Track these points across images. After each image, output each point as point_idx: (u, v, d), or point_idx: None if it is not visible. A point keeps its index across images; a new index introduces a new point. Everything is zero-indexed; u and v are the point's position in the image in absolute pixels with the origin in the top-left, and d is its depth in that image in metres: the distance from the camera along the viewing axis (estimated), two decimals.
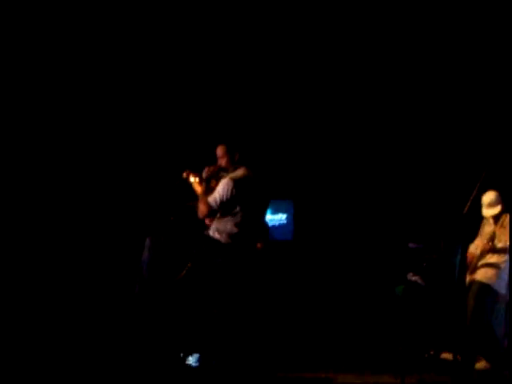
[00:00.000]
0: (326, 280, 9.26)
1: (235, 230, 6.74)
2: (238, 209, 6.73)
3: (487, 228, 7.89)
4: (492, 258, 7.75)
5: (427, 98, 9.69)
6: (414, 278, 8.62)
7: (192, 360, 7.11)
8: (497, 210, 7.80)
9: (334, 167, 9.81)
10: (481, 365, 7.45)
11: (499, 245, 7.69)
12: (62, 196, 9.24)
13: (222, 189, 6.69)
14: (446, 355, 7.55)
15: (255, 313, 7.21)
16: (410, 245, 9.25)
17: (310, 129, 9.79)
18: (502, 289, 7.68)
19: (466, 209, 7.29)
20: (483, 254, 7.81)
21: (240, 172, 6.89)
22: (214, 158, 7.05)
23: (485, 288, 7.61)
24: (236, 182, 6.72)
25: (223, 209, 6.73)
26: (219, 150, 7.02)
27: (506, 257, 7.59)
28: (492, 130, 9.01)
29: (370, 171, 9.83)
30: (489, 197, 7.85)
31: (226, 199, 6.68)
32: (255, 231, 7.00)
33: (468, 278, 7.80)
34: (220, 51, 9.52)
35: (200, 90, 9.68)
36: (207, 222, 7.16)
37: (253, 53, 9.54)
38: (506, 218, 7.78)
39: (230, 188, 6.68)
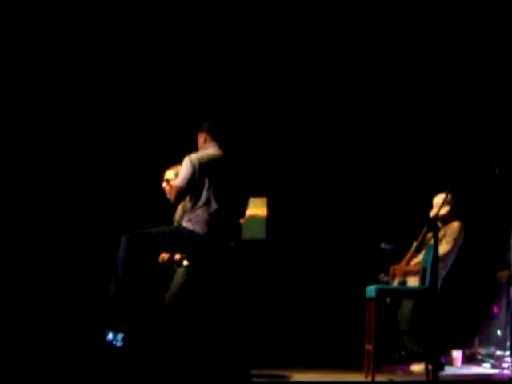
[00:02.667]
0: (298, 279, 9.26)
1: (211, 218, 6.51)
2: (208, 195, 6.51)
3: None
4: None
5: (401, 102, 9.73)
6: (385, 279, 8.68)
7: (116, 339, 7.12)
8: (444, 210, 7.69)
9: (307, 166, 9.80)
10: (417, 367, 7.52)
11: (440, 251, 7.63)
12: (33, 196, 9.15)
13: (183, 169, 6.50)
14: (416, 367, 7.59)
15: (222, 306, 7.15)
16: (382, 245, 9.31)
17: (284, 127, 9.77)
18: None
19: (438, 210, 7.36)
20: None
21: (205, 152, 6.69)
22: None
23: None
24: (193, 160, 6.52)
25: (192, 193, 6.54)
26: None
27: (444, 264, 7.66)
28: (464, 133, 9.07)
29: (343, 171, 9.84)
30: (440, 197, 7.76)
31: (191, 177, 6.48)
32: (233, 223, 6.79)
33: (398, 279, 7.82)
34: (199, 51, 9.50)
35: (174, 87, 9.62)
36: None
37: (230, 51, 9.51)
38: (455, 226, 7.79)
39: (189, 165, 6.48)
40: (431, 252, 7.47)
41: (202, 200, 6.52)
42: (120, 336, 7.57)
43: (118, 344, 7.28)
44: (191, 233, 6.51)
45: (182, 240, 6.55)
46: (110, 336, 7.32)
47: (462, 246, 7.85)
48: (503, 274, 8.12)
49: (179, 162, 6.77)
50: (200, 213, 6.49)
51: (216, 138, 6.70)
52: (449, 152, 8.71)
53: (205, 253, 6.60)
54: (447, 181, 6.31)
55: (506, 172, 6.74)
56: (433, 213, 7.76)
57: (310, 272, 9.59)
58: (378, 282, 8.49)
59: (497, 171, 6.69)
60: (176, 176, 6.93)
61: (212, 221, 6.52)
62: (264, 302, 8.86)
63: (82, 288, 8.71)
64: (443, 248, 7.61)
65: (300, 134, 9.84)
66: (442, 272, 7.71)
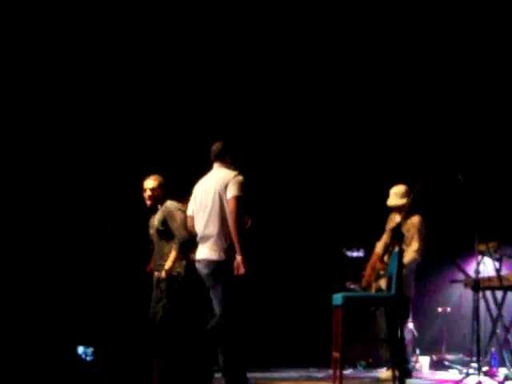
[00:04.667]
0: (265, 286, 9.26)
1: None
2: None
3: (392, 224, 7.77)
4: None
5: (363, 107, 9.82)
6: (352, 286, 8.73)
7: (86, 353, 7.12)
8: (401, 201, 7.74)
9: (273, 175, 9.84)
10: (385, 374, 7.58)
11: (414, 248, 7.69)
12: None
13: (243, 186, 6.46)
14: (384, 374, 7.63)
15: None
16: (349, 253, 9.38)
17: (252, 133, 9.79)
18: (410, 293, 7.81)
19: (403, 215, 7.43)
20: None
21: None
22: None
23: None
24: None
25: None
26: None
27: (412, 262, 7.68)
28: (429, 138, 9.17)
29: (309, 179, 9.89)
30: (397, 188, 7.84)
31: None
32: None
33: (374, 286, 7.86)
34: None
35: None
36: None
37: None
38: (416, 221, 7.77)
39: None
40: (396, 259, 7.55)
41: None
42: (90, 350, 7.56)
43: (88, 358, 7.27)
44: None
45: None
46: (81, 350, 7.31)
47: (426, 253, 7.91)
48: (468, 281, 8.21)
49: (152, 171, 6.99)
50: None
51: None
52: (413, 159, 8.83)
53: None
54: (412, 187, 6.39)
55: (470, 180, 6.82)
56: (391, 202, 7.85)
57: (277, 280, 9.61)
58: (344, 289, 8.56)
59: (460, 179, 6.76)
60: (159, 184, 7.07)
61: None
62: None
63: (51, 302, 8.68)
64: (414, 246, 7.68)
65: (268, 141, 9.89)
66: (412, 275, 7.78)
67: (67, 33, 9.16)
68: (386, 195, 7.96)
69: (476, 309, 7.17)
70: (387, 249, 7.55)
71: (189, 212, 6.67)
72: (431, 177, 6.53)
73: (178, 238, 6.89)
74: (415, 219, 7.78)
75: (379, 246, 8.05)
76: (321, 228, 9.88)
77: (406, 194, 7.76)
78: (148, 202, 7.14)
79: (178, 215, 6.96)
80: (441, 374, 8.33)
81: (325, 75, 9.75)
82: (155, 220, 7.13)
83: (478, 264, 7.22)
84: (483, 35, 9.15)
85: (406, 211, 7.54)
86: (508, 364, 7.80)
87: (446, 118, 9.31)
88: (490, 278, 7.88)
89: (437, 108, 9.43)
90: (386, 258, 7.60)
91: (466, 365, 8.04)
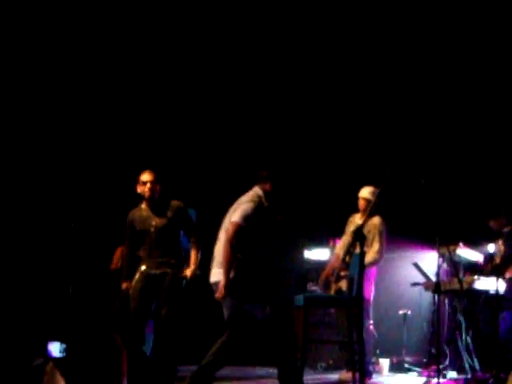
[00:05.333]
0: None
1: None
2: None
3: (352, 227, 7.83)
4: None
5: (327, 110, 9.84)
6: (314, 288, 8.74)
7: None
8: (372, 198, 7.78)
9: (235, 178, 9.82)
10: (345, 376, 7.60)
11: (375, 248, 7.75)
12: None
13: None
14: (344, 375, 7.65)
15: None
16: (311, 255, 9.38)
17: (212, 141, 9.79)
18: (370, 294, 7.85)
19: (365, 217, 7.46)
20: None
21: None
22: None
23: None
24: None
25: None
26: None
27: (373, 263, 7.74)
28: (392, 142, 9.21)
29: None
30: (370, 187, 7.95)
31: None
32: None
33: (333, 287, 7.88)
34: None
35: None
36: None
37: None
38: (377, 222, 7.83)
39: None
40: (357, 261, 7.57)
41: None
42: (62, 346, 7.51)
43: (60, 354, 7.22)
44: None
45: None
46: (52, 346, 7.25)
47: (387, 255, 7.95)
48: (429, 284, 8.25)
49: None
50: None
51: None
52: (376, 162, 8.86)
53: None
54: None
55: (432, 183, 6.85)
56: (363, 193, 7.94)
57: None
58: (306, 291, 8.58)
59: (423, 182, 6.78)
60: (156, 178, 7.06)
61: None
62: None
63: (20, 299, 8.61)
64: (375, 247, 7.75)
65: (229, 148, 9.89)
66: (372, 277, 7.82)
67: (60, 29, 9.09)
68: (349, 197, 7.99)
69: (436, 311, 7.20)
70: (348, 250, 7.57)
71: None
72: (394, 179, 6.58)
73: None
74: (376, 220, 7.83)
75: (339, 248, 8.07)
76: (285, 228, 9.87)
77: (373, 196, 7.81)
78: (148, 194, 7.04)
79: None
80: (400, 377, 8.37)
81: (293, 77, 9.76)
82: (158, 217, 7.06)
83: (439, 267, 7.25)
84: (447, 39, 9.22)
85: (369, 212, 7.57)
86: (467, 367, 7.84)
87: (409, 122, 9.36)
88: (450, 281, 7.94)
89: (400, 112, 9.47)
90: (347, 259, 7.61)
91: (426, 367, 8.10)
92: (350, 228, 7.94)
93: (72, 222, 8.27)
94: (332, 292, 7.82)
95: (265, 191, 6.32)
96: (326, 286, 7.96)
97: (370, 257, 7.64)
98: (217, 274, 6.14)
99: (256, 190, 6.33)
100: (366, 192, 7.99)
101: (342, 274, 7.74)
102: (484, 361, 7.76)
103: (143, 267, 7.01)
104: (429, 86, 9.44)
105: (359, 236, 6.23)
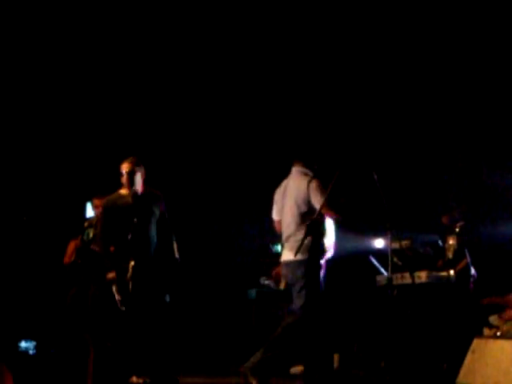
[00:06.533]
0: (184, 282, 9.24)
1: None
2: None
3: None
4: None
5: (276, 106, 9.86)
6: (266, 282, 8.75)
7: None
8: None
9: (192, 178, 9.84)
10: (297, 369, 7.62)
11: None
12: None
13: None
14: (295, 369, 7.67)
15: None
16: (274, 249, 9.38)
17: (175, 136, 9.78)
18: None
19: (318, 211, 7.45)
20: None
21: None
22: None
23: None
24: None
25: None
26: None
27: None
28: (345, 136, 9.27)
29: (233, 174, 9.90)
30: None
31: None
32: None
33: (283, 282, 7.78)
34: None
35: None
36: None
37: None
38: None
39: None
40: None
41: None
42: (33, 344, 7.45)
43: (31, 352, 7.17)
44: None
45: None
46: (23, 344, 7.20)
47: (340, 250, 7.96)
48: (381, 279, 8.31)
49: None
50: None
51: None
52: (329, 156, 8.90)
53: None
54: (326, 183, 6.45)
55: (384, 178, 6.90)
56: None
57: (194, 275, 9.60)
58: (259, 285, 8.59)
59: (375, 177, 6.82)
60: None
61: None
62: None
63: None
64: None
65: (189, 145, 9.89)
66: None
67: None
68: None
69: (388, 305, 7.26)
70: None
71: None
72: (346, 174, 6.62)
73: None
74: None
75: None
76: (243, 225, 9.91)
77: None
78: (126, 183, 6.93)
79: None
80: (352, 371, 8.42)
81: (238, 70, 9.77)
82: (144, 205, 6.96)
83: (391, 261, 7.31)
84: (405, 34, 9.28)
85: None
86: None
87: (361, 116, 9.42)
88: (402, 275, 8.00)
89: (353, 107, 9.53)
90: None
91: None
92: None
93: (24, 215, 8.22)
94: (282, 287, 7.80)
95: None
96: (278, 280, 7.95)
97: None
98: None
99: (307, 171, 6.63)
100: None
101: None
102: None
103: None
104: (379, 82, 9.50)
105: (313, 229, 6.29)
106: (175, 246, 6.98)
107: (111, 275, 6.82)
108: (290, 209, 6.58)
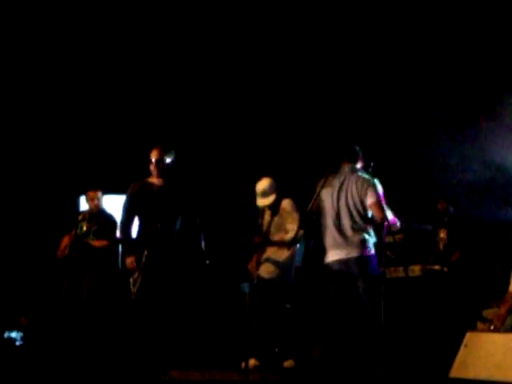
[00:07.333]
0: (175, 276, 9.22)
1: None
2: None
3: (267, 217, 7.68)
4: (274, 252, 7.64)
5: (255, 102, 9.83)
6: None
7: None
8: (271, 198, 7.57)
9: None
10: (288, 363, 7.61)
11: (288, 236, 7.44)
12: None
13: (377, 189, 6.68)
14: (288, 363, 7.67)
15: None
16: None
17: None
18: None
19: (310, 206, 7.46)
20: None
21: None
22: None
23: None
24: None
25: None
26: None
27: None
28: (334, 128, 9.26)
29: (216, 170, 9.89)
30: (261, 186, 7.61)
31: None
32: None
33: (255, 274, 7.77)
34: None
35: None
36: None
37: None
38: (287, 204, 7.58)
39: None
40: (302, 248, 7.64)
41: None
42: (19, 335, 7.47)
43: (17, 343, 7.19)
44: None
45: None
46: (9, 334, 7.22)
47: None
48: None
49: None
50: None
51: None
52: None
53: None
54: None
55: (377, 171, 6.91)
56: (263, 203, 7.63)
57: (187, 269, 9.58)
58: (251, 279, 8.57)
59: (371, 165, 6.84)
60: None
61: None
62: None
63: None
64: (293, 228, 7.36)
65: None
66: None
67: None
68: (293, 182, 7.96)
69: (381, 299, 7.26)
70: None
71: None
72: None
73: None
74: (286, 202, 7.62)
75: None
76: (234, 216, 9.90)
77: (273, 188, 7.63)
78: (156, 172, 6.91)
79: None
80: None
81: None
82: (167, 194, 6.95)
83: (384, 255, 7.31)
84: (405, 34, 9.26)
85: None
86: None
87: (350, 109, 9.41)
88: (396, 269, 8.01)
89: (342, 99, 9.50)
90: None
91: None
92: (265, 218, 7.74)
93: (17, 209, 8.22)
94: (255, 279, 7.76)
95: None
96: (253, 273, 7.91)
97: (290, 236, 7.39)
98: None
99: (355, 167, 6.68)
100: (262, 201, 7.66)
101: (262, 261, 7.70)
102: None
103: None
104: (371, 78, 9.48)
105: (305, 224, 6.33)
106: (202, 238, 6.97)
107: (130, 260, 6.80)
108: (347, 207, 6.56)
